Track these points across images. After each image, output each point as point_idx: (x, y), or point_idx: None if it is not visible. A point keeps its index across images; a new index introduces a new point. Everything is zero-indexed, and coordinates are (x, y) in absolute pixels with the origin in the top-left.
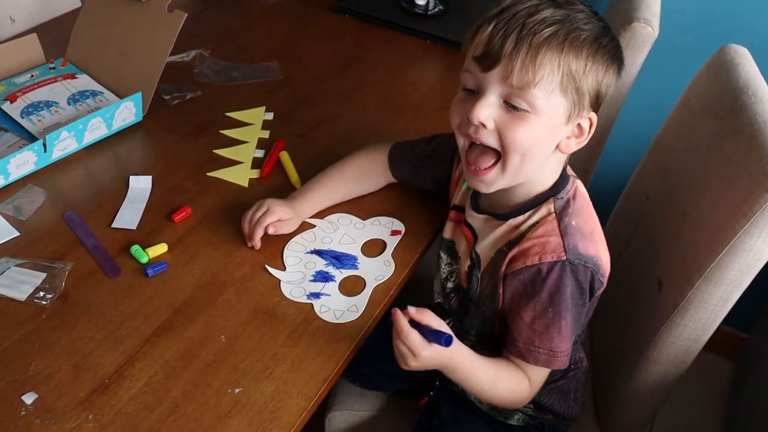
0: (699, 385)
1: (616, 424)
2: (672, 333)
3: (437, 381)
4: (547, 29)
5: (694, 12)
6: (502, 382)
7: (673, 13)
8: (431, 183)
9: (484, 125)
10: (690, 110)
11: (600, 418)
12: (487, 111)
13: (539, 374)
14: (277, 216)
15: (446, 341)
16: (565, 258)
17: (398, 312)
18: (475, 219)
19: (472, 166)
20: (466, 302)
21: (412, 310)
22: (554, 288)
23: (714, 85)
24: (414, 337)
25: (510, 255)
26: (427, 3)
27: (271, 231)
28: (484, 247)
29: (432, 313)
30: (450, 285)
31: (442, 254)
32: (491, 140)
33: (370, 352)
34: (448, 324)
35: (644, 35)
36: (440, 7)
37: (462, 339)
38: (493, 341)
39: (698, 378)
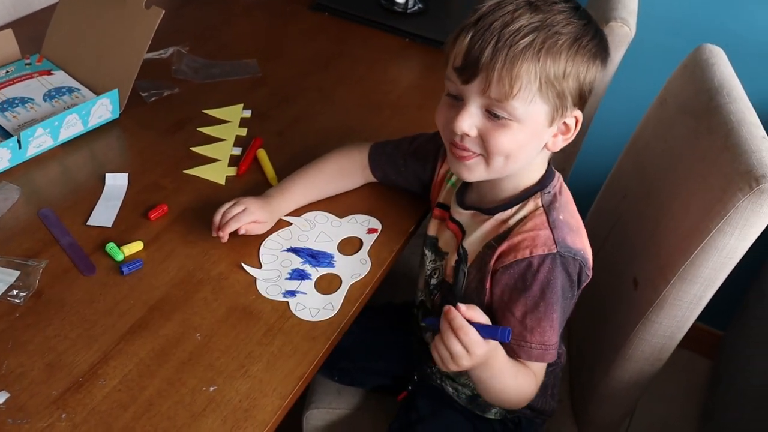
0: (676, 383)
1: (592, 421)
2: (647, 330)
3: (416, 375)
4: (523, 39)
5: (671, 12)
6: (521, 376)
7: (650, 12)
8: (415, 182)
9: (467, 134)
10: (666, 109)
11: (577, 415)
12: (469, 121)
13: (539, 368)
14: (253, 217)
15: (508, 335)
16: (555, 251)
17: (453, 310)
18: (462, 215)
19: (457, 153)
20: (450, 298)
21: (463, 307)
22: (545, 281)
23: (690, 84)
24: (473, 334)
25: (499, 250)
26: (407, 1)
27: (242, 232)
28: (472, 242)
29: (480, 309)
30: (434, 281)
31: (426, 251)
32: (475, 147)
33: (350, 348)
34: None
35: (621, 35)
36: (419, 5)
37: None
38: None
39: (675, 375)
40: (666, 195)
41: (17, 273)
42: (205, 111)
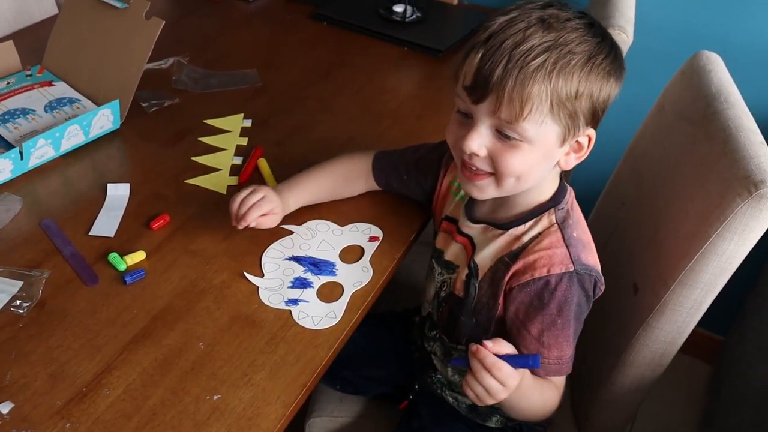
0: (677, 388)
1: (594, 426)
2: (648, 336)
3: (416, 385)
4: (534, 60)
5: (668, 19)
6: (546, 391)
7: (647, 20)
8: (417, 191)
9: (476, 155)
10: (664, 116)
11: (578, 421)
12: (479, 141)
13: (560, 380)
14: (272, 206)
15: (539, 361)
16: (573, 269)
17: (482, 349)
18: (472, 229)
19: (467, 172)
20: (457, 311)
21: (489, 344)
22: (563, 299)
23: (687, 91)
24: (506, 369)
25: (514, 268)
26: (405, 10)
27: (253, 225)
28: (484, 257)
29: (503, 341)
30: (442, 294)
31: (435, 264)
32: (485, 166)
33: (351, 357)
34: (434, 336)
35: (619, 42)
36: (417, 14)
37: (450, 350)
38: None
39: (676, 380)
40: (665, 201)
41: (20, 283)
42: (206, 121)
